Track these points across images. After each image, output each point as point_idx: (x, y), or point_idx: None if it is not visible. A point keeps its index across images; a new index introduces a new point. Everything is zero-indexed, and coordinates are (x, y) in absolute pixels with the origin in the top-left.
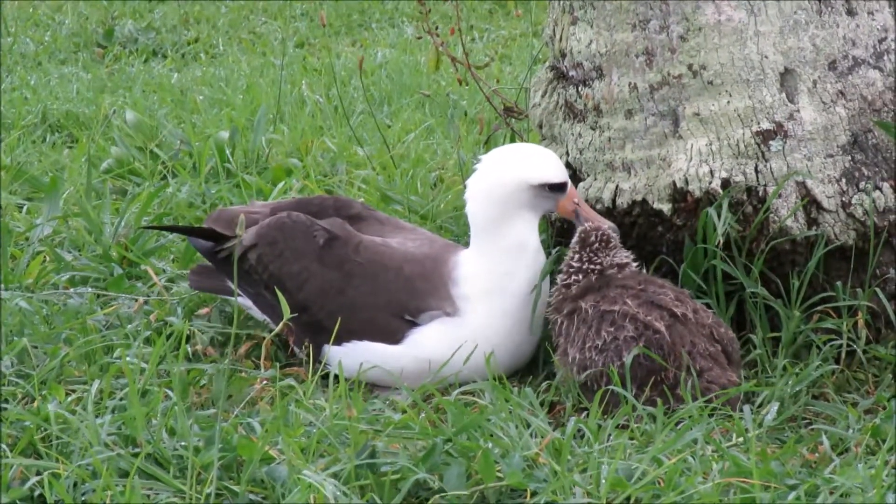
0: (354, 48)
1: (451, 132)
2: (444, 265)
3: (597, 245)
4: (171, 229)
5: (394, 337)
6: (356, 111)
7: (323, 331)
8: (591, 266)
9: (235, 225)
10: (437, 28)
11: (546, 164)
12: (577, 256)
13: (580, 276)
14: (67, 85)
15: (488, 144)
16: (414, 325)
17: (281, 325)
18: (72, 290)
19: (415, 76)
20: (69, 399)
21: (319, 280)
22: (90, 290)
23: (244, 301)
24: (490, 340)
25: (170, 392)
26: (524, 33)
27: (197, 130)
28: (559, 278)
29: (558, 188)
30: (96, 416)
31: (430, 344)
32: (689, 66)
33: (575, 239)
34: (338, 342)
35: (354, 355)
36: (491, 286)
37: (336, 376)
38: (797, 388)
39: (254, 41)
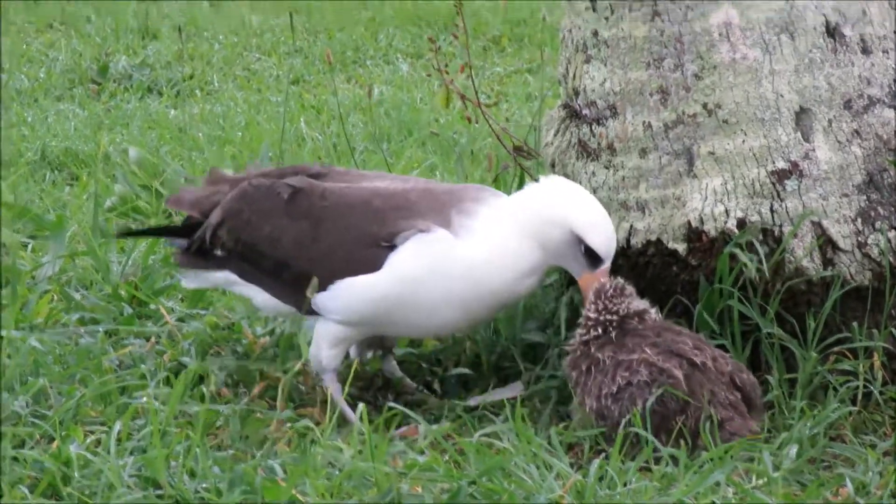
0: (350, 85)
1: (457, 170)
2: (453, 195)
3: (612, 292)
4: (145, 233)
5: (374, 266)
6: (357, 149)
7: (308, 281)
8: (609, 316)
9: (195, 205)
10: (446, 66)
11: (598, 229)
12: (593, 307)
13: (599, 330)
14: (65, 122)
15: (496, 183)
16: (392, 249)
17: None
18: (82, 329)
19: (413, 113)
20: (87, 440)
21: (292, 233)
22: (102, 329)
23: (228, 276)
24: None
25: (190, 433)
26: (519, 70)
27: (198, 167)
28: (577, 333)
29: (592, 257)
30: (116, 458)
31: (409, 262)
32: (704, 105)
33: (590, 296)
34: (323, 288)
35: (339, 295)
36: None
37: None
38: (815, 430)
39: (249, 78)
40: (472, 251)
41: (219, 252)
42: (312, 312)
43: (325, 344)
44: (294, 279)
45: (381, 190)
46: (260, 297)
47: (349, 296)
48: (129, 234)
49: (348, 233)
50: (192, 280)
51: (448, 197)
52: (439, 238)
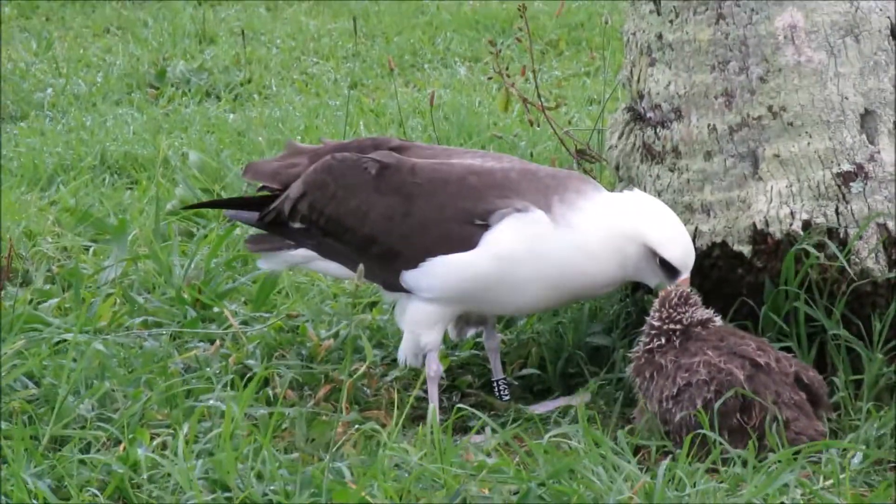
0: (409, 88)
1: None
2: (557, 180)
3: (676, 301)
4: (212, 205)
5: (468, 243)
6: None
7: (397, 257)
8: (673, 325)
9: (275, 176)
10: (507, 68)
11: (673, 241)
12: (657, 315)
13: (662, 339)
14: (123, 126)
15: None
16: (487, 227)
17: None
18: (146, 332)
19: (472, 117)
20: (154, 443)
21: (381, 209)
22: (166, 332)
23: (306, 253)
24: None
25: (257, 436)
26: (577, 73)
27: None
28: (641, 340)
29: (669, 269)
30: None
31: (506, 240)
32: (769, 108)
33: (655, 304)
34: (413, 265)
35: (434, 272)
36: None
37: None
38: (881, 431)
39: (307, 82)
40: (569, 245)
41: (297, 225)
42: (400, 289)
43: (422, 326)
44: (381, 255)
45: (475, 167)
46: (340, 273)
47: (445, 273)
48: (197, 205)
49: (442, 210)
50: (266, 262)
51: (552, 181)
52: (536, 219)
